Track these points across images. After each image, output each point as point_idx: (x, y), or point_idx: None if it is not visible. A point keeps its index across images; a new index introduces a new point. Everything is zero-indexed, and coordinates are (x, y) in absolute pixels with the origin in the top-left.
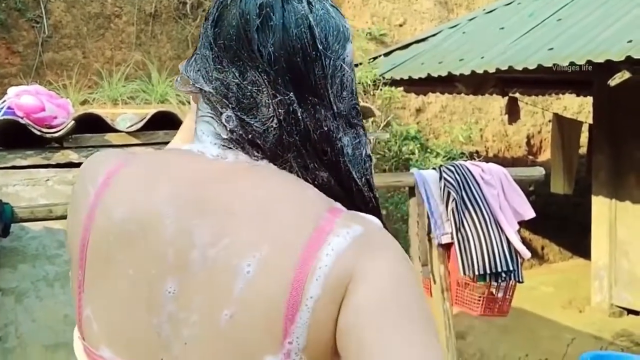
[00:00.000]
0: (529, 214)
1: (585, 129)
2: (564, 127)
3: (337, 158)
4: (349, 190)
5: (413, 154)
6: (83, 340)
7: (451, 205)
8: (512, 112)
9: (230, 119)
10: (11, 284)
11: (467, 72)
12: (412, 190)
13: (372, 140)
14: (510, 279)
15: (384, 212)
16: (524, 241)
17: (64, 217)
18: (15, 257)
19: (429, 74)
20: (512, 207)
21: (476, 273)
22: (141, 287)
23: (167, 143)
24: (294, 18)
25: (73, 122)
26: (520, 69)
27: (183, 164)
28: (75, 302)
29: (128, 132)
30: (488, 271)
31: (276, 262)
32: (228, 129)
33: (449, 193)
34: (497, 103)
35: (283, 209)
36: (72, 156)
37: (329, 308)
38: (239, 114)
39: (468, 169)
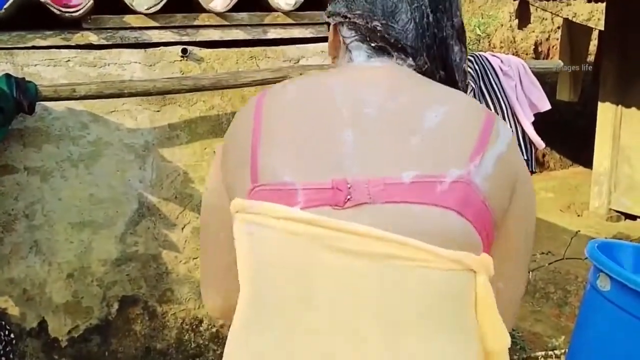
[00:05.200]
0: (545, 105)
1: (594, 37)
2: (574, 33)
3: (449, 62)
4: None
5: None
6: (258, 183)
7: (469, 94)
8: (523, 16)
9: (376, 27)
10: (36, 164)
11: None
12: None
13: None
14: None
15: None
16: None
17: (86, 97)
18: (39, 137)
19: None
20: (528, 98)
21: None
22: (320, 129)
23: (185, 27)
24: None
25: (92, 1)
26: None
27: (347, 69)
28: (244, 167)
29: (147, 14)
30: None
31: (461, 118)
32: (377, 36)
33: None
34: (506, 8)
35: (454, 95)
36: (92, 37)
37: (508, 167)
38: (383, 21)
39: (487, 59)
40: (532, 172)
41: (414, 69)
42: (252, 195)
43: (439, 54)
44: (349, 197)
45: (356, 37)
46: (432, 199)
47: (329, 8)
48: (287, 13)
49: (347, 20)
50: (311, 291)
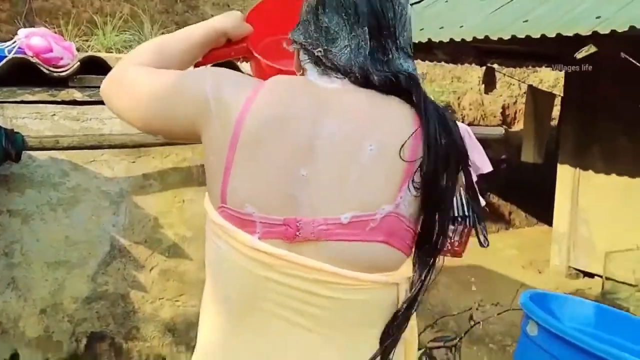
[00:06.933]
0: (487, 167)
1: (558, 102)
2: (538, 99)
3: (402, 74)
4: (416, 89)
5: None
6: (225, 205)
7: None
8: (489, 81)
9: (320, 52)
10: (18, 207)
11: (445, 40)
12: None
13: None
14: (465, 223)
15: None
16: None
17: (68, 148)
18: (22, 183)
19: None
20: (472, 161)
21: None
22: (281, 162)
23: None
24: None
25: (78, 63)
26: (496, 39)
27: (307, 85)
28: (217, 177)
29: None
30: None
31: (392, 144)
32: (321, 61)
33: None
34: (475, 73)
35: (386, 113)
36: (76, 95)
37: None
38: (325, 47)
39: None
40: (473, 226)
41: (353, 81)
42: (220, 212)
43: (380, 72)
44: (297, 233)
45: (308, 60)
46: (364, 236)
47: (291, 34)
48: None
49: (302, 47)
50: (259, 297)
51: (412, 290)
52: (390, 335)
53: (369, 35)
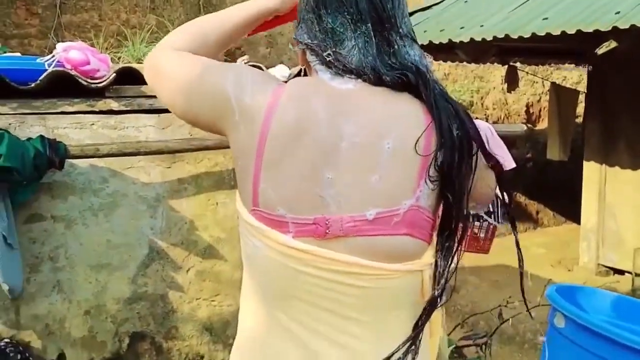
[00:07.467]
0: (510, 164)
1: (582, 99)
2: (561, 95)
3: (410, 63)
4: (425, 84)
5: None
6: (258, 208)
7: None
8: (511, 80)
9: (329, 55)
10: (62, 213)
11: (466, 40)
12: None
13: None
14: (490, 219)
15: None
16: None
17: (108, 155)
18: (65, 190)
19: (430, 41)
20: (496, 155)
21: None
22: (307, 166)
23: None
24: None
25: (114, 74)
26: (516, 37)
27: (324, 87)
28: (248, 181)
29: None
30: (471, 212)
31: (407, 141)
32: (332, 63)
33: None
34: (498, 72)
35: (399, 111)
36: (113, 104)
37: None
38: (334, 49)
39: None
40: (498, 224)
41: (366, 81)
42: (253, 214)
43: (390, 70)
44: (327, 231)
45: (318, 61)
46: (389, 230)
47: (296, 34)
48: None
49: (308, 47)
50: (293, 287)
51: (439, 280)
52: (422, 320)
53: (372, 32)
